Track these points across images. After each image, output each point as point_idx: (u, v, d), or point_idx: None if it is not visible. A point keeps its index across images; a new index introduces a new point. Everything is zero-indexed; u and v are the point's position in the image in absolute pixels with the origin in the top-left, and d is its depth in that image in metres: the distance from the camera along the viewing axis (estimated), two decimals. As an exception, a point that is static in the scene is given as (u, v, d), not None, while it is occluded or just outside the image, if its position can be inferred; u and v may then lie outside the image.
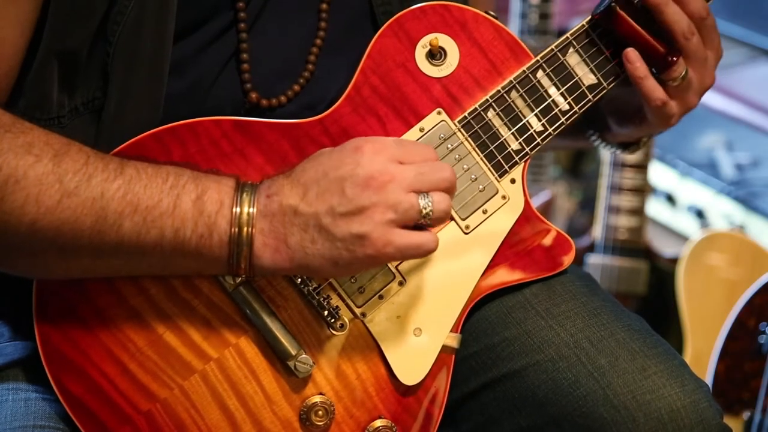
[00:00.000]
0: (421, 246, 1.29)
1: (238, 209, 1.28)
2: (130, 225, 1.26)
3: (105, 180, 1.26)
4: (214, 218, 1.28)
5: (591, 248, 2.84)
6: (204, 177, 1.30)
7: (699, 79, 1.46)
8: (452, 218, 1.41)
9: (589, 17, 1.46)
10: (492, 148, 1.43)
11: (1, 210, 1.23)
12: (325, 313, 1.37)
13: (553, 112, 1.44)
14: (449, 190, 1.30)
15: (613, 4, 1.42)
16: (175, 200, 1.27)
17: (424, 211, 1.28)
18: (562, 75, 1.45)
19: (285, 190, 1.29)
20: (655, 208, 3.42)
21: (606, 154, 2.83)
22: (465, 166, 1.42)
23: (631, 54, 1.44)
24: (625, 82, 1.48)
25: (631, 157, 2.76)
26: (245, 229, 1.28)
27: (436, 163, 1.30)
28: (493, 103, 1.43)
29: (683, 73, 1.44)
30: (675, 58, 1.43)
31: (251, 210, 1.28)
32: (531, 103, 1.44)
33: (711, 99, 3.57)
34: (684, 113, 1.49)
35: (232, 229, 1.28)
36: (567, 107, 1.45)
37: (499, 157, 1.43)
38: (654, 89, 1.44)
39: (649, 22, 1.43)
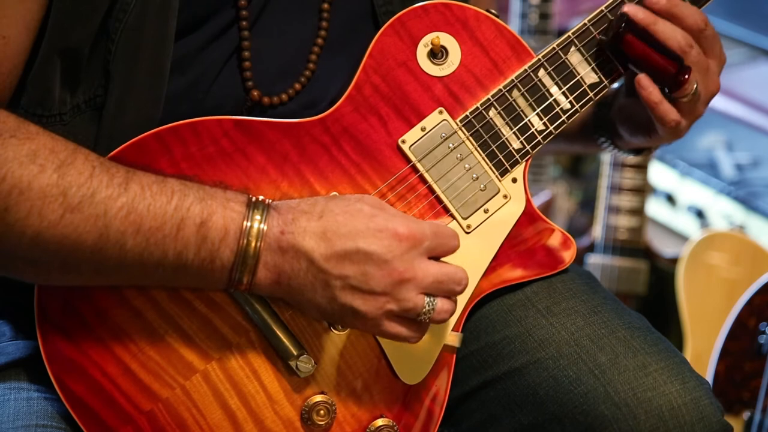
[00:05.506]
0: (402, 340, 1.32)
1: (248, 224, 1.28)
2: (132, 244, 1.26)
3: (109, 197, 1.25)
4: (217, 245, 1.27)
5: (591, 248, 2.84)
6: (210, 198, 1.28)
7: (704, 89, 1.47)
8: (453, 217, 1.41)
9: (593, 16, 1.46)
10: (493, 147, 1.43)
11: (5, 221, 1.23)
12: (323, 315, 1.38)
13: (555, 111, 1.44)
14: (457, 294, 1.32)
15: (621, 29, 1.42)
16: (179, 223, 1.26)
17: (423, 315, 1.30)
18: (564, 74, 1.45)
19: (306, 236, 1.28)
20: (655, 208, 3.42)
21: (606, 154, 2.83)
22: (466, 166, 1.42)
23: (644, 80, 1.44)
24: (629, 93, 1.48)
25: (631, 157, 2.76)
26: (253, 245, 1.27)
27: (456, 275, 1.31)
28: (494, 102, 1.43)
29: (694, 88, 1.45)
30: (686, 76, 1.43)
31: (262, 227, 1.28)
32: (532, 102, 1.44)
33: (711, 99, 3.56)
34: (692, 123, 1.51)
35: (237, 254, 1.27)
36: (568, 106, 1.45)
37: (501, 157, 1.43)
38: (668, 113, 1.46)
39: (654, 41, 1.44)
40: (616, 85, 1.55)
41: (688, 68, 1.44)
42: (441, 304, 1.30)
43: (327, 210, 1.30)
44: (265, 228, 1.28)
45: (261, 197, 1.31)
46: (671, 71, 1.43)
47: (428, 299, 1.29)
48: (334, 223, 1.28)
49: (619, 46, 1.43)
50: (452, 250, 1.32)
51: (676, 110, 1.46)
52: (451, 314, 1.32)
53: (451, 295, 1.32)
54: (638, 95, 1.46)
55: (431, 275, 1.29)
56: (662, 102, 1.45)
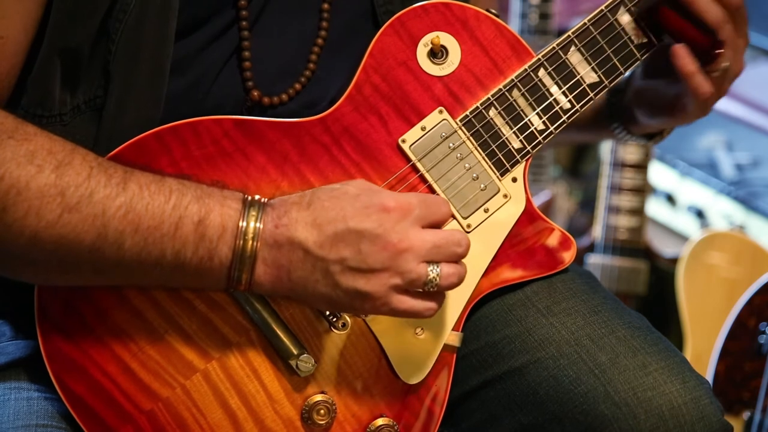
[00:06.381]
0: (416, 313, 1.31)
1: (244, 223, 1.28)
2: (130, 244, 1.26)
3: (107, 197, 1.25)
4: (215, 243, 1.28)
5: (591, 248, 2.84)
6: (207, 197, 1.29)
7: (732, 67, 1.49)
8: (453, 217, 1.41)
9: (593, 15, 1.46)
10: (493, 147, 1.43)
11: (3, 221, 1.23)
12: (327, 312, 1.37)
13: (555, 111, 1.45)
14: (461, 258, 1.31)
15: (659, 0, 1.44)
16: (177, 222, 1.27)
17: (429, 283, 1.29)
18: (564, 73, 1.45)
19: (299, 227, 1.28)
20: (655, 208, 3.42)
21: (606, 154, 2.83)
22: (466, 165, 1.42)
23: (680, 50, 1.46)
24: (648, 75, 1.47)
25: (631, 157, 2.77)
26: (250, 243, 1.28)
27: (454, 236, 1.30)
28: (494, 102, 1.43)
29: (727, 63, 1.46)
30: (721, 50, 1.44)
31: (258, 225, 1.28)
32: (532, 102, 1.44)
33: (710, 99, 3.56)
34: (717, 101, 1.52)
35: (234, 252, 1.27)
36: (568, 106, 1.45)
37: (501, 156, 1.43)
38: (702, 84, 1.47)
39: (690, 14, 1.45)
40: (627, 73, 1.55)
41: (721, 42, 1.45)
42: (446, 269, 1.29)
43: (314, 198, 1.30)
44: (261, 225, 1.28)
45: (257, 196, 1.31)
46: (706, 44, 1.44)
47: (431, 267, 1.29)
48: (321, 209, 1.28)
49: (654, 17, 1.45)
50: (445, 216, 1.32)
51: (710, 83, 1.47)
52: (460, 278, 1.31)
53: (455, 259, 1.30)
54: (663, 75, 1.47)
55: (428, 242, 1.28)
56: (698, 72, 1.46)
